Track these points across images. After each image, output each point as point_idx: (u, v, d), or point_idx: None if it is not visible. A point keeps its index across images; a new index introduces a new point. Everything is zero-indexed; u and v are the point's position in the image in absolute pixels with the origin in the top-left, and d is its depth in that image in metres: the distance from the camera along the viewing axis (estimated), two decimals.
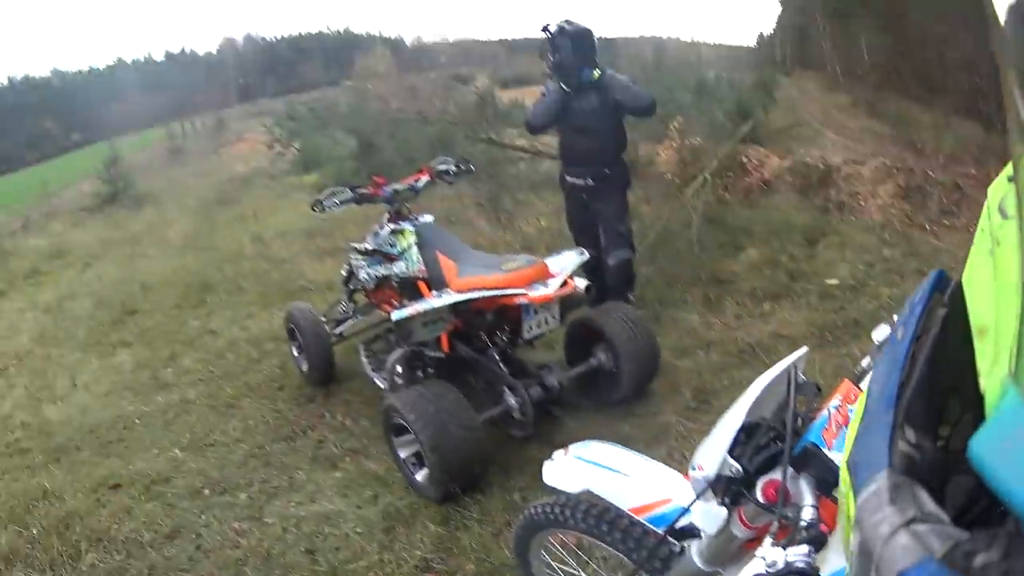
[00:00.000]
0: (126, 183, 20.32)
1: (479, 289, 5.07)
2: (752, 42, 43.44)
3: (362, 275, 6.12)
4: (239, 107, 44.28)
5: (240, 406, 6.61)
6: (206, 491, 5.39)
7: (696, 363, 6.44)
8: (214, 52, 57.21)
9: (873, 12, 26.67)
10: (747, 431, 1.91)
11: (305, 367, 6.66)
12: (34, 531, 5.16)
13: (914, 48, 25.33)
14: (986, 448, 0.77)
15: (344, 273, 6.64)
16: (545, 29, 6.86)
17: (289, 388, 6.79)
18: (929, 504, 0.91)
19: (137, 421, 6.72)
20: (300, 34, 59.21)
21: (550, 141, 9.22)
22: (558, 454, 2.94)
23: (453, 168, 6.61)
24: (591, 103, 6.68)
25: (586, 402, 5.77)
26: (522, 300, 5.03)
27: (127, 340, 8.90)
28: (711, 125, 13.77)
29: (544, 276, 5.16)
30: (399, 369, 5.40)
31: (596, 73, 6.63)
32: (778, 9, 41.67)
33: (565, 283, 5.17)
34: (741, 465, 1.85)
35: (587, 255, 5.66)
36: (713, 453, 1.90)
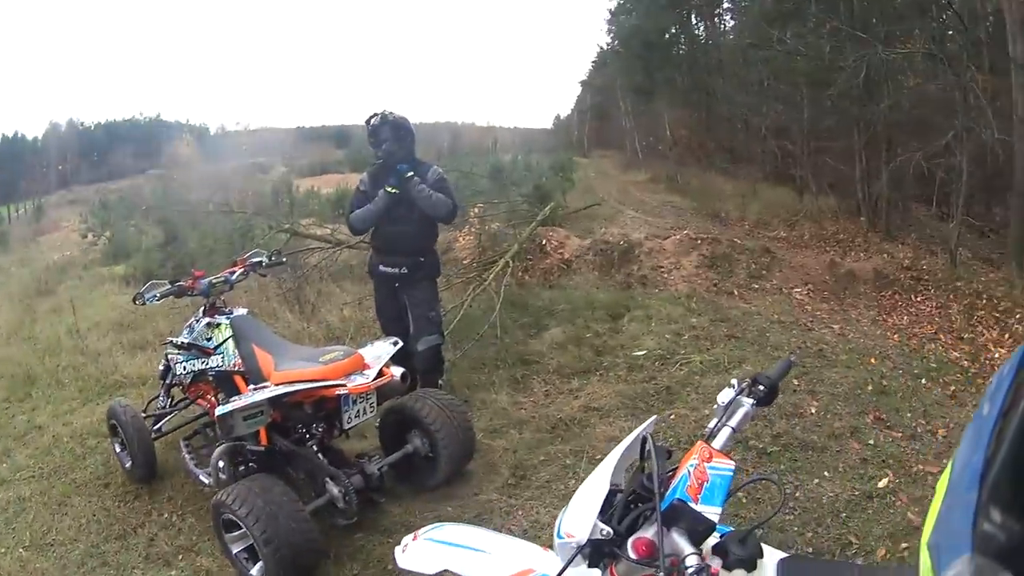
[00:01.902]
0: None
1: (299, 382, 5.20)
2: (549, 124, 44.38)
3: (179, 369, 6.20)
4: (56, 194, 43.21)
5: (71, 504, 6.54)
6: None
7: (510, 442, 6.67)
8: (40, 136, 55.86)
9: (675, 89, 27.63)
10: (608, 496, 2.17)
11: (128, 464, 6.59)
12: None
13: (719, 120, 26.29)
14: None
15: (161, 367, 6.71)
16: (369, 121, 7.10)
17: (114, 485, 6.72)
18: None
19: None
20: (115, 120, 58.02)
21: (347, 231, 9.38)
22: (407, 539, 3.04)
23: (265, 260, 6.78)
24: (409, 197, 6.91)
25: (407, 487, 5.93)
26: (342, 391, 5.21)
27: None
28: (510, 209, 14.17)
29: (361, 367, 5.37)
30: (222, 464, 5.40)
31: (409, 174, 6.87)
32: (577, 90, 42.65)
33: (382, 372, 5.40)
34: (611, 527, 2.10)
35: (400, 344, 5.90)
36: (582, 519, 2.15)
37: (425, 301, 7.14)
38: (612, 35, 34.62)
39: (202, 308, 6.32)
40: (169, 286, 6.19)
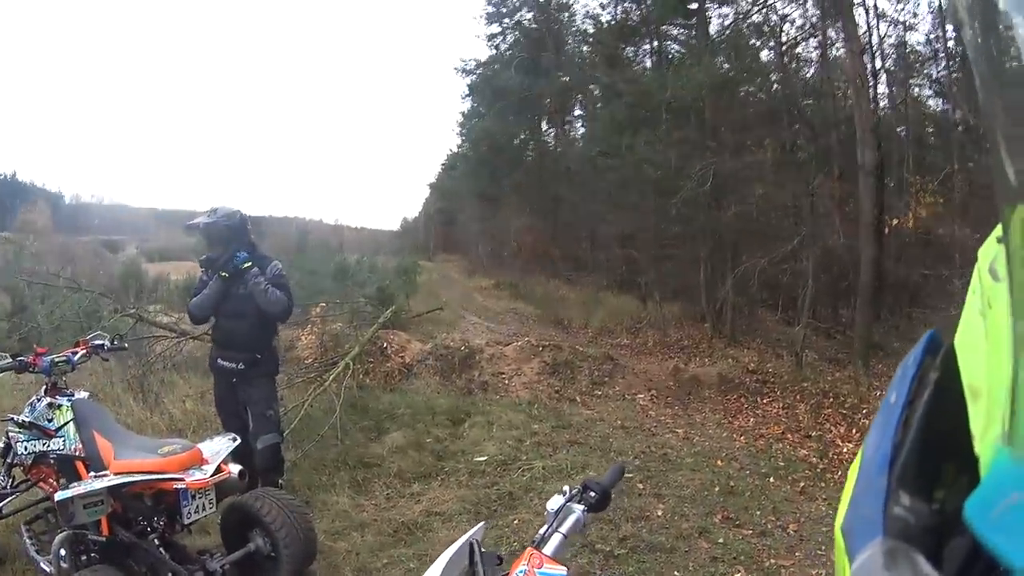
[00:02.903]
0: None
1: (136, 473, 5.11)
2: (396, 226, 44.65)
3: (20, 449, 5.95)
4: None
5: None
6: None
7: (352, 544, 6.59)
8: None
9: (522, 195, 28.05)
10: None
11: None
12: None
13: (565, 228, 26.78)
14: (981, 511, 0.80)
15: (1, 445, 6.37)
16: (192, 227, 7.23)
17: None
18: (926, 568, 0.89)
19: None
20: None
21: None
22: None
23: (107, 344, 6.64)
24: (246, 289, 6.90)
25: None
26: (180, 486, 5.11)
27: None
28: (352, 311, 14.25)
29: (198, 461, 5.29)
30: (63, 552, 5.23)
31: (246, 264, 6.85)
32: (425, 193, 43.11)
33: (220, 468, 5.32)
34: None
35: (239, 440, 5.80)
36: None
37: (263, 399, 7.08)
38: (463, 138, 35.00)
39: (44, 387, 6.13)
40: (10, 360, 6.07)
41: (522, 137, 30.23)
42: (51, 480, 5.82)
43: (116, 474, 5.16)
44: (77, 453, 5.56)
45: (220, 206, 7.09)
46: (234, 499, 5.88)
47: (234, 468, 5.50)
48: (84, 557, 5.29)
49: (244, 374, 7.03)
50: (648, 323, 18.74)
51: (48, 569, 5.45)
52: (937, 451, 1.02)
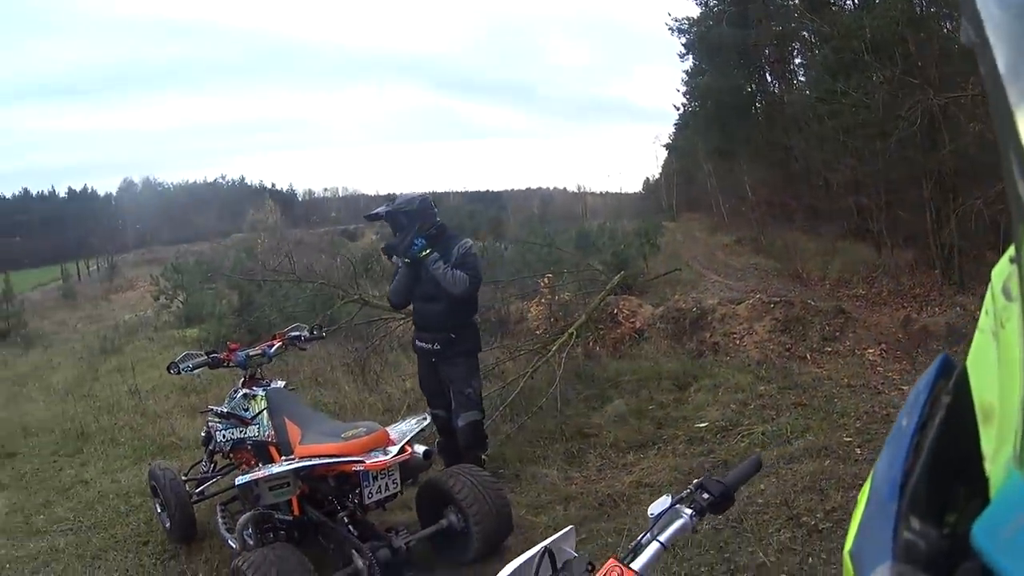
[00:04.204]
0: (18, 321, 20.34)
1: (317, 457, 5.22)
2: (639, 188, 44.30)
3: (219, 437, 6.25)
4: (133, 252, 43.82)
5: (107, 558, 6.60)
6: None
7: (553, 518, 6.45)
8: (114, 193, 56.90)
9: (755, 148, 27.29)
10: None
11: (167, 524, 6.64)
12: None
13: (798, 178, 25.95)
14: (989, 533, 0.76)
15: (203, 434, 6.74)
16: (372, 217, 7.36)
17: (154, 543, 6.75)
18: None
19: (8, 566, 6.72)
20: (196, 182, 59.02)
21: None
22: None
23: (305, 334, 6.87)
24: (429, 273, 6.90)
25: (441, 561, 5.81)
26: (358, 468, 5.18)
27: (3, 482, 8.97)
28: (584, 279, 14.11)
29: (383, 443, 5.33)
30: (249, 531, 5.42)
31: (425, 251, 6.83)
32: (663, 154, 42.56)
33: (404, 450, 5.32)
34: None
35: (428, 420, 5.90)
36: None
37: (461, 378, 7.07)
38: (688, 96, 34.54)
39: (241, 379, 6.44)
40: (204, 357, 6.37)
41: (748, 90, 29.53)
42: (249, 464, 6.03)
43: (300, 458, 5.31)
44: (270, 439, 5.84)
45: (401, 193, 7.16)
46: (430, 476, 6.00)
47: (419, 449, 5.52)
48: (270, 535, 5.49)
49: (441, 354, 7.05)
50: (882, 271, 17.94)
51: (234, 545, 5.67)
52: (949, 474, 1.01)
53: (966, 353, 1.07)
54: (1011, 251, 0.96)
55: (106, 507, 7.69)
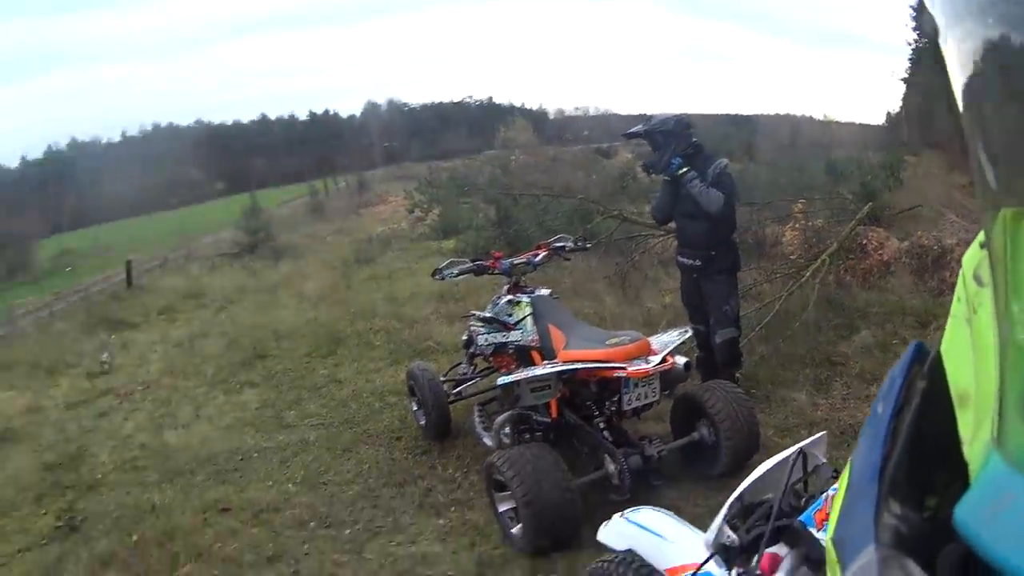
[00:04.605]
0: (266, 234, 21.31)
1: (580, 361, 5.33)
2: (881, 120, 42.46)
3: (480, 341, 6.42)
4: (382, 169, 44.60)
5: (357, 451, 6.93)
6: (312, 523, 5.70)
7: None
8: (357, 115, 58.03)
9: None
10: (751, 508, 2.09)
11: (423, 421, 6.93)
12: (135, 539, 5.55)
13: None
14: (971, 515, 0.79)
15: (464, 338, 6.94)
16: (630, 135, 7.44)
17: (406, 439, 7.04)
18: (919, 575, 0.92)
19: (255, 455, 7.13)
20: (443, 102, 59.61)
21: None
22: (615, 516, 3.14)
23: (569, 245, 6.98)
24: (686, 190, 6.91)
25: (688, 473, 5.88)
26: (620, 374, 5.25)
27: (254, 381, 9.36)
28: (835, 206, 13.82)
29: (645, 352, 5.39)
30: (506, 430, 5.65)
31: (682, 170, 6.81)
32: (902, 88, 40.65)
33: (665, 360, 5.39)
34: (738, 536, 2.03)
35: (690, 333, 5.95)
36: (714, 524, 2.07)
37: (720, 295, 7.03)
38: (918, 32, 33.07)
39: (505, 287, 6.59)
40: (469, 264, 6.52)
41: None
42: (509, 367, 6.17)
43: (564, 362, 5.42)
44: (533, 344, 5.96)
45: (657, 113, 7.10)
46: (686, 389, 6.02)
47: (680, 360, 5.58)
48: (526, 435, 5.67)
49: (702, 270, 7.04)
50: None
51: (489, 443, 5.91)
52: (928, 459, 1.09)
53: (939, 339, 1.12)
54: (981, 237, 1.05)
55: (359, 404, 8.03)
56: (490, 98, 59.65)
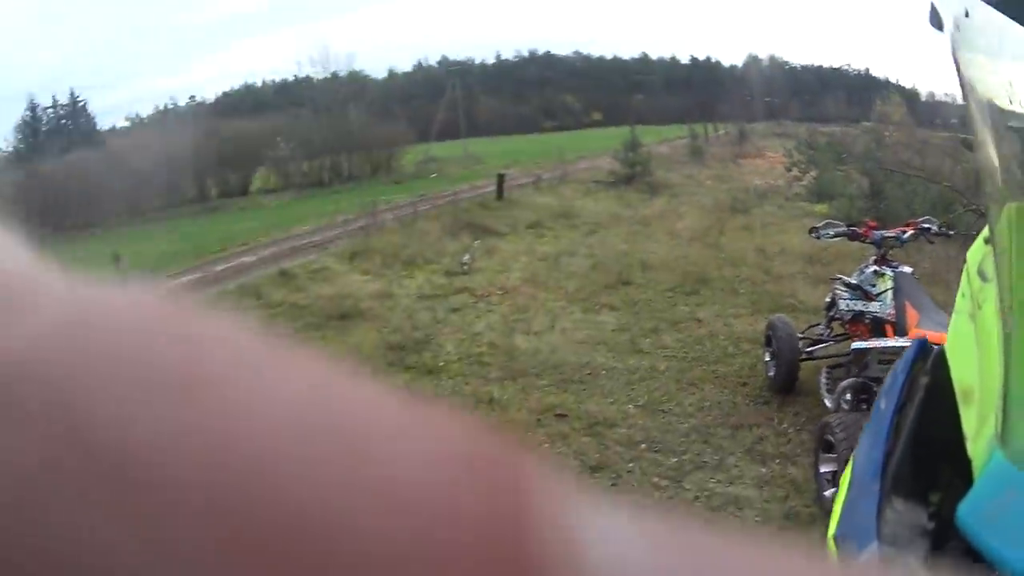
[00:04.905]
0: (644, 168, 21.48)
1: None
2: None
3: (842, 305, 6.50)
4: (762, 123, 43.75)
5: (701, 388, 7.12)
6: (642, 445, 5.96)
7: None
8: (738, 66, 57.11)
9: None
10: None
11: (772, 373, 7.05)
12: None
13: None
14: (974, 512, 0.82)
15: (827, 300, 7.04)
16: None
17: (751, 386, 7.18)
18: (921, 573, 0.85)
19: (603, 372, 7.44)
20: (823, 66, 57.71)
21: None
22: None
23: (934, 228, 6.91)
24: None
25: None
26: None
27: (615, 305, 9.65)
28: None
29: None
30: (847, 396, 5.67)
31: None
32: None
33: None
34: None
35: None
36: None
37: None
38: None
39: (873, 257, 6.62)
40: (844, 228, 6.69)
41: None
42: (863, 336, 6.23)
43: (912, 339, 5.39)
44: (888, 317, 6.02)
45: None
46: None
47: None
48: (864, 405, 5.54)
49: None
50: None
51: (829, 405, 6.00)
52: (931, 455, 1.09)
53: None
54: (985, 232, 1.08)
55: (714, 345, 8.18)
56: (867, 69, 57.08)
